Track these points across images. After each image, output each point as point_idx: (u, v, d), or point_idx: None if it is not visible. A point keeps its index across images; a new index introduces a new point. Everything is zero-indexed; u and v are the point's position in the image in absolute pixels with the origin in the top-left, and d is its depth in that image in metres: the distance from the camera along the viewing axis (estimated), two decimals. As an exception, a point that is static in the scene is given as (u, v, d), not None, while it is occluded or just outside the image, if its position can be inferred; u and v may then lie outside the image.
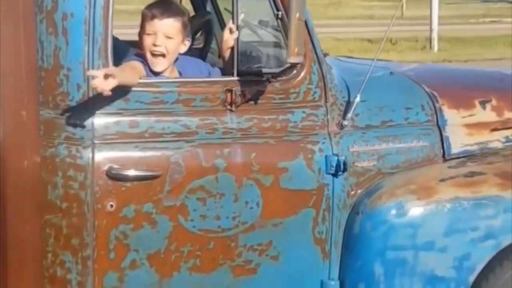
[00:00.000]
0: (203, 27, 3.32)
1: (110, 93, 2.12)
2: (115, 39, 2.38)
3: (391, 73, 2.89)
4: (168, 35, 2.41)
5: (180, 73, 2.50)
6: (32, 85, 2.11)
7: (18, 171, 2.10)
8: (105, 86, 2.09)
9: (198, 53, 3.11)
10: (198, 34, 3.32)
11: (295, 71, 2.46)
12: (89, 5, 2.23)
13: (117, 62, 2.35)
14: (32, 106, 2.11)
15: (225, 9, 3.43)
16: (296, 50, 2.14)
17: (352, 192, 2.54)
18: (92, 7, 2.23)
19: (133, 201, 2.29)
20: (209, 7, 3.42)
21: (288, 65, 2.37)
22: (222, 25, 3.20)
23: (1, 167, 2.07)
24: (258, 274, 2.45)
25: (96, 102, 2.27)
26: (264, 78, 2.42)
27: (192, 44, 2.66)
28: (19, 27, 2.05)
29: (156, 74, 2.43)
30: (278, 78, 2.39)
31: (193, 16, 3.10)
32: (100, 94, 2.20)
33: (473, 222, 2.48)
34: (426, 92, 2.81)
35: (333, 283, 2.54)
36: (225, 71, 2.50)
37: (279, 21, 2.47)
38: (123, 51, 2.54)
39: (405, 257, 2.44)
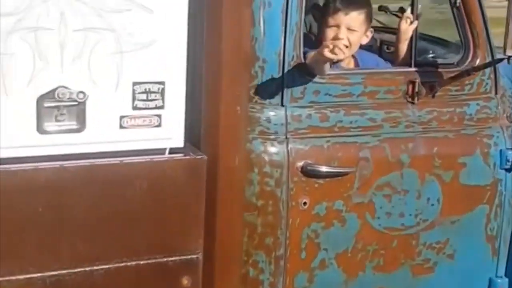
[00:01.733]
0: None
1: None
2: None
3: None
4: (351, 27, 2.77)
5: (356, 64, 2.81)
6: (245, 78, 2.39)
7: (230, 169, 2.39)
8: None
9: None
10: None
11: (470, 62, 2.82)
12: (287, -7, 2.52)
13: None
14: (244, 101, 2.39)
15: None
16: (513, 42, 2.50)
17: (522, 187, 2.94)
18: (290, -5, 2.52)
19: (325, 198, 2.64)
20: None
21: (472, 56, 2.74)
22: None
23: (215, 165, 2.34)
24: (435, 273, 2.85)
25: (289, 95, 2.57)
26: (443, 69, 2.77)
27: None
28: (240, 14, 2.31)
29: (335, 63, 2.73)
30: (472, 71, 2.73)
31: None
32: (291, 86, 2.52)
33: None
34: None
35: (500, 280, 2.96)
36: (399, 63, 2.83)
37: (455, 9, 2.82)
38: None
39: None
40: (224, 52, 2.34)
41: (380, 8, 3.39)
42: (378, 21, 3.43)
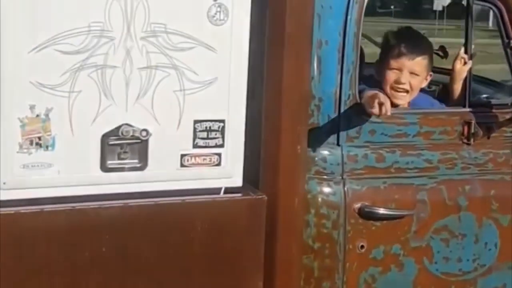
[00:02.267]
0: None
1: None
2: None
3: None
4: (414, 72, 2.88)
5: (408, 105, 2.92)
6: (305, 117, 2.49)
7: (289, 209, 2.49)
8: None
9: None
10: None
11: (524, 102, 2.94)
12: (343, 32, 2.64)
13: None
14: (304, 140, 2.49)
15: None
16: None
17: None
18: (347, 35, 2.65)
19: (383, 241, 2.71)
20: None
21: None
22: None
23: (275, 205, 2.43)
24: (493, 320, 2.88)
25: (345, 134, 2.68)
26: (497, 110, 2.88)
27: None
28: (300, 58, 2.43)
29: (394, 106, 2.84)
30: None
31: None
32: (349, 126, 2.62)
33: None
34: None
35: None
36: (454, 104, 2.94)
37: (509, 50, 2.93)
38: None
39: None
40: (285, 90, 2.47)
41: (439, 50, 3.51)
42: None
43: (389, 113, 2.57)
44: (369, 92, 2.79)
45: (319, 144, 2.72)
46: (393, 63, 2.93)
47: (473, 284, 2.90)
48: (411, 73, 2.92)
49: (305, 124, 2.55)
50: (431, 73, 3.04)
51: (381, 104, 2.54)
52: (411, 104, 2.99)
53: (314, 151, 2.70)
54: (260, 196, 2.46)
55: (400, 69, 2.92)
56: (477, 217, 2.89)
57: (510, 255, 2.97)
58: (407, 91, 2.90)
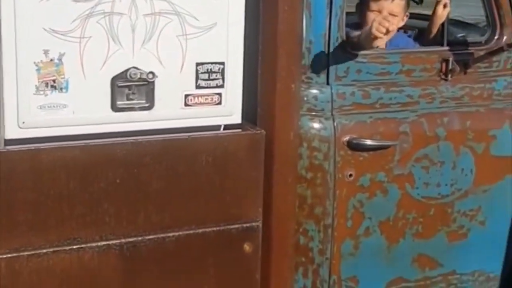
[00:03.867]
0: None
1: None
2: None
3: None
4: (393, 13, 2.87)
5: (386, 45, 2.92)
6: (298, 57, 2.49)
7: (286, 143, 2.51)
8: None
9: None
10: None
11: (498, 39, 2.94)
12: (331, -21, 2.63)
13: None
14: (298, 79, 2.50)
15: None
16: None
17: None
18: (334, -20, 2.63)
19: (369, 170, 2.75)
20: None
21: (498, 35, 2.86)
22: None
23: (272, 139, 2.46)
24: (468, 238, 2.97)
25: (334, 74, 2.70)
26: (473, 48, 2.89)
27: None
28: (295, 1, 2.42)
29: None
30: (501, 50, 2.84)
31: None
32: (337, 66, 2.63)
33: None
34: None
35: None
36: (432, 43, 2.95)
37: (483, -5, 2.94)
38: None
39: None
40: (280, 33, 2.46)
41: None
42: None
43: (391, 29, 2.53)
44: (355, 32, 2.80)
45: (310, 83, 2.73)
46: (373, 5, 2.92)
47: (451, 206, 2.95)
48: (390, 14, 2.92)
49: (299, 64, 2.56)
50: (408, 13, 3.04)
51: (381, 24, 2.51)
52: (390, 42, 3.00)
53: (306, 90, 2.71)
54: (259, 131, 2.48)
55: (379, 11, 2.91)
56: (454, 146, 2.91)
57: (485, 180, 3.02)
58: (388, 31, 2.90)
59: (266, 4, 2.46)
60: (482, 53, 2.97)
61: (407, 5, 3.00)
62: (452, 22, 3.19)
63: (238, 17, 2.40)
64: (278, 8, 2.43)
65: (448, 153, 2.92)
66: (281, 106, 2.50)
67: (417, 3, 3.47)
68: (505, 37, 3.01)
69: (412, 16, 3.30)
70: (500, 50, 2.92)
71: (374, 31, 2.55)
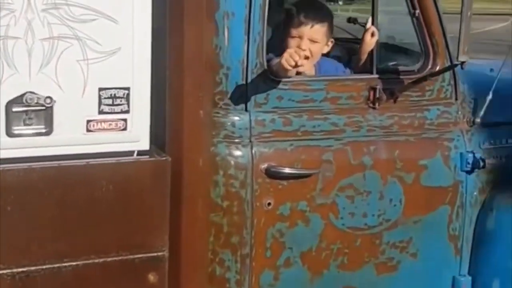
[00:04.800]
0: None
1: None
2: None
3: (491, 70, 3.30)
4: (313, 39, 2.79)
5: (316, 72, 2.84)
6: (208, 83, 2.42)
7: (194, 170, 2.42)
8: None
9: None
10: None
11: (430, 69, 2.85)
12: (249, 5, 2.55)
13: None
14: (207, 105, 2.43)
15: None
16: (465, 48, 2.51)
17: (483, 189, 2.96)
18: (252, 6, 2.56)
19: (289, 199, 2.65)
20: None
21: (431, 64, 2.78)
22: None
23: (180, 166, 2.37)
24: (398, 271, 2.86)
25: (253, 100, 2.61)
26: (403, 76, 2.80)
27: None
28: (202, 26, 2.35)
29: (297, 73, 2.76)
30: (429, 77, 2.75)
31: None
32: (256, 93, 2.55)
33: None
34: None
35: (463, 279, 2.96)
36: (361, 71, 2.87)
37: (414, 19, 2.84)
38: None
39: (544, 252, 2.86)
40: (186, 59, 2.38)
41: (349, 20, 3.43)
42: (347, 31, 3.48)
43: (300, 63, 2.47)
44: (276, 59, 2.72)
45: (228, 110, 2.64)
46: (294, 31, 2.82)
47: (379, 237, 2.81)
48: (311, 40, 2.83)
49: (209, 90, 2.48)
50: (332, 39, 2.94)
51: (291, 56, 2.45)
52: (319, 68, 2.89)
53: (223, 117, 2.61)
54: (164, 158, 2.39)
55: (300, 37, 2.82)
56: (381, 175, 2.80)
57: (415, 211, 2.89)
58: (307, 58, 2.78)
59: (172, 30, 2.38)
60: (409, 81, 2.88)
61: (330, 31, 2.90)
62: (387, 46, 3.11)
63: (144, 42, 2.32)
64: (184, 35, 2.35)
65: (375, 183, 2.79)
66: (189, 133, 2.40)
67: (354, 24, 3.40)
68: (438, 67, 2.94)
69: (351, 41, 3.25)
70: (423, 79, 2.83)
71: (283, 62, 2.48)
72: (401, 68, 2.92)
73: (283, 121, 2.69)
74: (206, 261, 2.53)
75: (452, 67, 2.81)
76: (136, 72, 2.33)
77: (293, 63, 2.44)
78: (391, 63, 2.96)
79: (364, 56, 2.91)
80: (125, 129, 2.35)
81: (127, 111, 2.34)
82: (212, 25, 2.46)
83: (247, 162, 2.62)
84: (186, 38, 2.35)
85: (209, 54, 2.42)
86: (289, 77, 2.62)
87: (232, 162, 2.61)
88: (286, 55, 2.47)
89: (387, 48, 3.06)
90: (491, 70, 3.36)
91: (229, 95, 2.62)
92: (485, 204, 3.00)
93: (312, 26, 2.81)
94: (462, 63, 2.65)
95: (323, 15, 2.87)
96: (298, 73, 2.80)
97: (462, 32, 2.56)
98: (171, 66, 2.39)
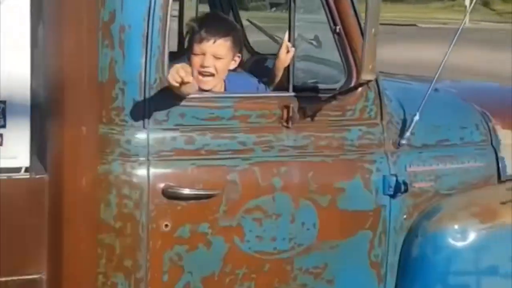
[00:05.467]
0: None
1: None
2: None
3: (435, 90, 3.11)
4: (217, 55, 2.65)
5: (225, 88, 2.69)
6: (93, 99, 2.30)
7: (76, 189, 2.29)
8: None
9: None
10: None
11: (352, 87, 2.67)
12: (147, 17, 2.42)
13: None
14: (92, 121, 2.30)
15: (248, 20, 3.66)
16: (370, 67, 2.34)
17: (409, 214, 2.77)
18: (151, 19, 2.42)
19: (189, 221, 2.49)
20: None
21: (354, 82, 2.60)
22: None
23: (60, 185, 2.25)
24: (313, 298, 2.64)
25: (152, 117, 2.47)
26: (320, 94, 2.63)
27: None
28: (82, 38, 2.23)
29: (204, 91, 2.62)
30: (339, 95, 2.58)
31: None
32: (156, 109, 2.41)
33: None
34: (478, 111, 3.04)
35: (384, 308, 2.74)
36: (278, 88, 2.71)
37: (336, 36, 2.68)
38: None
39: (467, 283, 2.69)
40: (66, 73, 2.26)
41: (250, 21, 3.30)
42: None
43: (186, 80, 2.30)
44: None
45: (125, 127, 2.49)
46: (197, 48, 2.67)
47: (290, 263, 2.62)
48: (214, 56, 2.67)
49: (93, 106, 2.35)
50: (239, 54, 2.78)
51: (177, 72, 2.29)
52: (228, 85, 2.74)
53: (119, 134, 2.45)
54: (40, 177, 2.27)
55: (203, 53, 2.67)
56: (293, 198, 2.62)
57: (332, 235, 2.72)
58: (212, 75, 2.65)
59: (50, 45, 2.27)
60: (331, 100, 2.69)
61: (236, 46, 2.73)
62: (309, 59, 2.94)
63: (22, 56, 2.22)
64: (63, 49, 2.23)
65: (286, 205, 2.60)
66: (70, 150, 2.28)
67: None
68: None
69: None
70: (333, 98, 2.65)
71: (169, 78, 2.33)
72: (321, 86, 2.76)
73: (185, 139, 2.53)
74: (93, 284, 2.39)
75: (357, 86, 2.62)
76: (13, 87, 2.22)
77: (179, 79, 2.30)
78: (311, 81, 2.80)
79: (280, 73, 2.75)
80: (1, 144, 2.24)
81: (3, 126, 2.24)
82: (94, 38, 2.32)
83: (142, 181, 2.46)
84: (65, 52, 2.23)
85: (94, 68, 2.30)
86: (189, 94, 2.49)
87: (126, 181, 2.46)
88: (172, 71, 2.32)
89: (307, 64, 2.89)
90: (436, 90, 3.18)
91: (125, 111, 2.48)
92: (411, 230, 2.81)
93: (214, 42, 2.66)
94: (368, 81, 2.48)
95: (226, 29, 2.72)
96: (205, 90, 2.68)
97: (365, 50, 2.38)
98: (51, 80, 2.27)
